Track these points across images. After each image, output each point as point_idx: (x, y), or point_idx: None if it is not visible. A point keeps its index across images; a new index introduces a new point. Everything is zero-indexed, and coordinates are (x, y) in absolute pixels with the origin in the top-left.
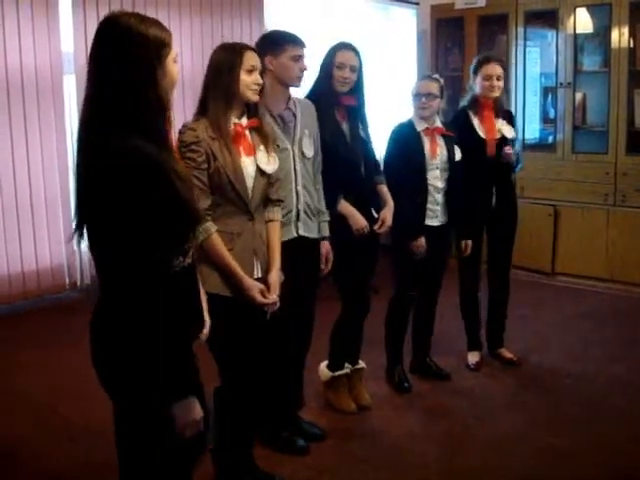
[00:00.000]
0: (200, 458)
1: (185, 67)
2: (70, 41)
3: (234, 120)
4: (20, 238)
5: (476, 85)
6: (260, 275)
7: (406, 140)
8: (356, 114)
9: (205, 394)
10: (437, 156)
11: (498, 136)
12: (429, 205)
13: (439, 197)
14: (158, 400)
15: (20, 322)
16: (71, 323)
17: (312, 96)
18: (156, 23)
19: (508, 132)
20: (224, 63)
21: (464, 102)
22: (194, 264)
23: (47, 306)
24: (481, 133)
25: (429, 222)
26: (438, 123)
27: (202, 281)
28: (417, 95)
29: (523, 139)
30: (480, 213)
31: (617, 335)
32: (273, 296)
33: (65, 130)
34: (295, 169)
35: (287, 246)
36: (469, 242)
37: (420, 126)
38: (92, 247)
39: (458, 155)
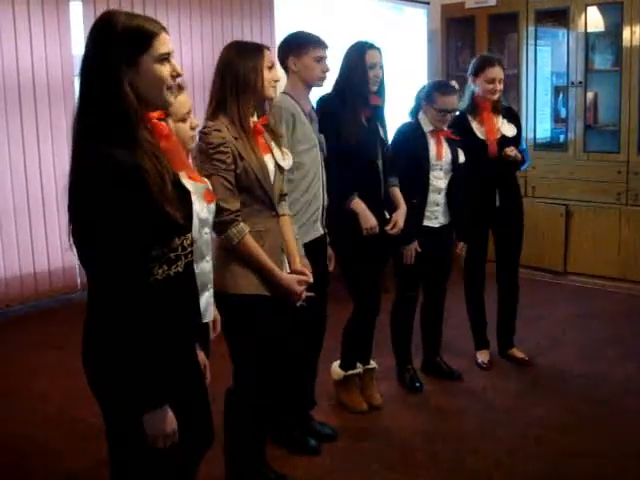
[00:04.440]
0: (196, 462)
1: (196, 68)
2: (81, 43)
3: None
4: (32, 239)
5: (476, 87)
6: (288, 270)
7: (412, 140)
8: (378, 114)
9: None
10: (442, 158)
11: (498, 136)
12: (428, 207)
13: (439, 198)
14: (129, 408)
15: (32, 323)
16: (82, 324)
17: (339, 92)
18: (140, 20)
19: (508, 131)
20: (248, 62)
21: (462, 106)
22: (187, 272)
23: (59, 307)
24: (480, 135)
25: (429, 223)
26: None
27: (236, 283)
28: (442, 111)
29: (535, 138)
30: (484, 214)
31: (629, 334)
32: (310, 279)
33: None
34: (321, 165)
35: (316, 244)
36: (462, 243)
37: (427, 127)
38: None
39: (462, 157)
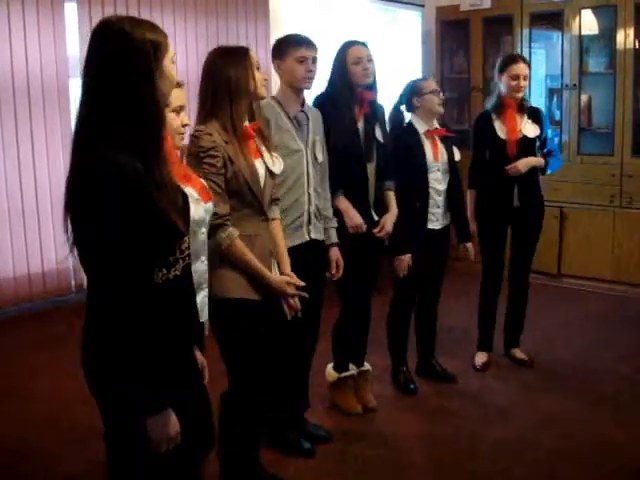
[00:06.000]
0: (197, 464)
1: (190, 71)
2: (76, 45)
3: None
4: (26, 240)
5: (501, 85)
6: (277, 273)
7: (407, 143)
8: (374, 113)
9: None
10: (439, 159)
11: (519, 136)
12: (430, 209)
13: (440, 200)
14: (132, 413)
15: (26, 324)
16: (77, 326)
17: (328, 94)
18: (151, 26)
19: (531, 131)
20: (238, 66)
21: (489, 104)
22: (186, 275)
23: (53, 308)
24: (501, 134)
25: (431, 225)
26: (436, 124)
27: (224, 286)
28: (434, 92)
29: None
30: (501, 213)
31: (623, 336)
32: (300, 282)
33: (71, 133)
34: (308, 172)
35: (300, 250)
36: (468, 245)
37: (421, 128)
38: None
39: (457, 156)
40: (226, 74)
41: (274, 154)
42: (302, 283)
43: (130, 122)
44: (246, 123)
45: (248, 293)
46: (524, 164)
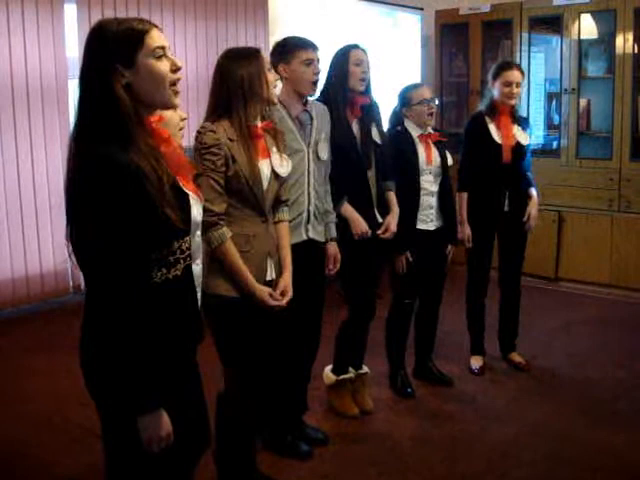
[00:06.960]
0: (194, 463)
1: (190, 71)
2: (75, 46)
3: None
4: (24, 242)
5: (495, 90)
6: (274, 277)
7: (401, 146)
8: (369, 115)
9: (205, 398)
10: (432, 162)
11: (513, 142)
12: (423, 210)
13: (433, 200)
14: (125, 412)
15: (24, 326)
16: (74, 327)
17: (324, 94)
18: (130, 21)
19: (523, 139)
20: (251, 68)
21: (481, 106)
22: (186, 275)
23: (51, 310)
24: (497, 138)
25: (424, 226)
26: (430, 129)
27: (215, 283)
28: (425, 100)
29: None
30: (491, 217)
31: (621, 341)
32: (284, 299)
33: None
34: (309, 171)
35: (296, 249)
36: (453, 246)
37: (415, 132)
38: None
39: (450, 160)
40: (239, 74)
41: (284, 156)
42: (285, 301)
43: (110, 119)
44: (258, 123)
45: (233, 292)
46: (535, 217)
